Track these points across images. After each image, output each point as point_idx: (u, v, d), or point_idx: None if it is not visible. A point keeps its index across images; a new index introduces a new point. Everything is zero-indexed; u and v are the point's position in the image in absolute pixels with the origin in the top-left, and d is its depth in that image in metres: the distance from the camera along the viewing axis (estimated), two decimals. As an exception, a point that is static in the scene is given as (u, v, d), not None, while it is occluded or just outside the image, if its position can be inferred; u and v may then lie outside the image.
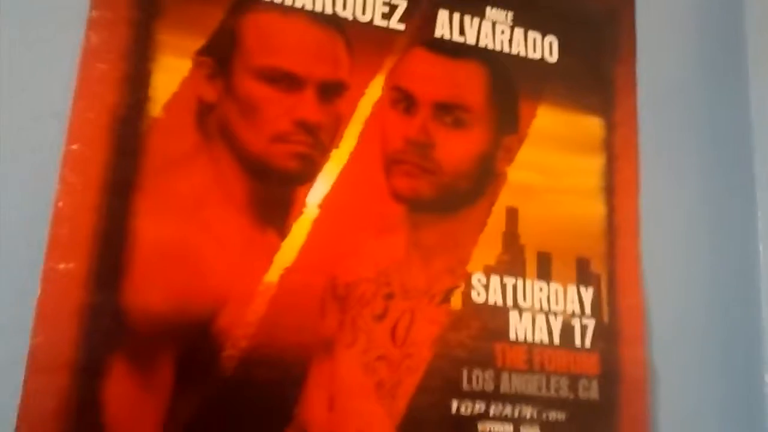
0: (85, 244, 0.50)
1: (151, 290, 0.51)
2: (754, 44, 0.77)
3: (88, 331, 0.49)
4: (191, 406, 0.51)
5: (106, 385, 0.49)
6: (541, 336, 0.62)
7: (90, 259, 0.50)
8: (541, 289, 0.63)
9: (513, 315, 0.61)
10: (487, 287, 0.61)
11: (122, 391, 0.49)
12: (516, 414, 0.59)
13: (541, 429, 0.60)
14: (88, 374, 0.49)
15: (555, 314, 0.63)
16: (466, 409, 0.58)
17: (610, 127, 0.69)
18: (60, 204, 0.50)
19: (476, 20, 0.66)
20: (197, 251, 0.53)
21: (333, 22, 0.61)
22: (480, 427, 0.58)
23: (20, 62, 0.53)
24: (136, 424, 0.49)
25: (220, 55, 0.57)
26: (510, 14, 0.67)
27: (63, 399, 0.48)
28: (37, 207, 0.50)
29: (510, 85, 0.66)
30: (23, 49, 0.53)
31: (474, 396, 0.58)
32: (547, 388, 0.61)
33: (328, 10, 0.61)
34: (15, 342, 0.48)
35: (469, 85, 0.64)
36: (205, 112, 0.56)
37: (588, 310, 0.64)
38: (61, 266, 0.49)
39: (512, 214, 0.63)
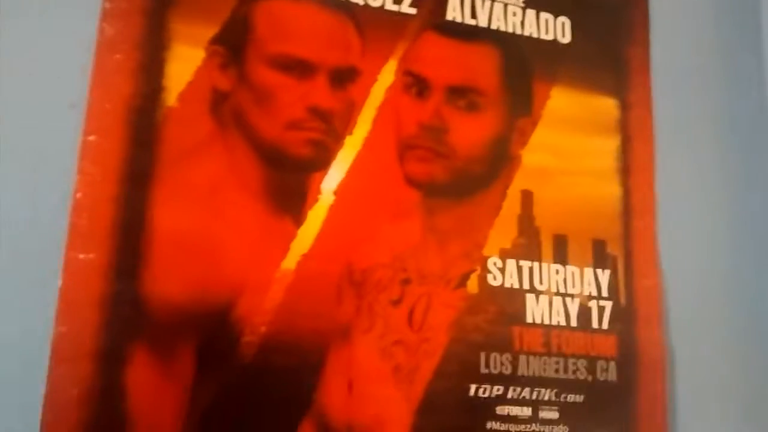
0: (104, 234, 0.51)
1: (170, 279, 0.52)
2: (771, 21, 0.76)
3: (110, 320, 0.50)
4: (211, 393, 0.52)
5: (128, 372, 0.50)
6: (558, 318, 0.62)
7: (109, 249, 0.51)
8: (557, 272, 0.63)
9: (530, 298, 0.61)
10: (503, 271, 0.61)
11: (143, 379, 0.50)
12: (534, 397, 0.60)
13: (559, 411, 0.60)
14: (110, 362, 0.49)
15: (572, 297, 0.63)
16: (484, 392, 0.58)
17: (625, 108, 0.69)
18: (79, 195, 0.51)
19: (488, 2, 0.66)
20: (214, 240, 0.54)
21: (344, 7, 0.61)
22: (498, 410, 0.59)
23: (37, 54, 0.54)
24: (157, 410, 0.50)
25: (233, 44, 0.57)
26: (522, -5, 0.67)
27: (86, 387, 0.49)
28: (56, 198, 0.51)
29: (523, 67, 0.66)
30: (39, 41, 0.54)
31: (492, 379, 0.59)
32: (565, 370, 0.61)
33: (340, -5, 0.61)
34: (38, 331, 0.49)
35: (482, 68, 0.64)
36: (219, 100, 0.56)
37: (605, 291, 0.64)
38: (82, 256, 0.50)
39: (527, 197, 0.64)
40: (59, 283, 0.49)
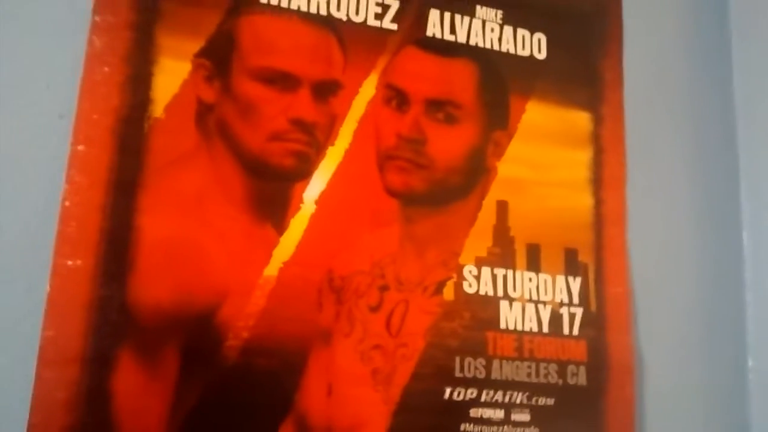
0: (92, 241, 0.53)
1: (155, 285, 0.54)
2: (739, 39, 0.80)
3: (97, 325, 0.52)
4: (195, 395, 0.54)
5: (115, 376, 0.52)
6: (531, 324, 0.65)
7: (97, 256, 0.53)
8: (530, 280, 0.66)
9: (503, 305, 0.65)
10: (478, 278, 0.64)
11: (130, 382, 0.52)
12: (507, 400, 0.63)
13: (531, 414, 0.63)
14: (97, 366, 0.52)
15: (544, 303, 0.66)
16: (459, 395, 0.61)
17: (598, 121, 0.72)
18: (67, 203, 0.53)
19: (466, 19, 0.69)
20: (199, 247, 0.56)
21: (327, 22, 0.63)
22: (472, 412, 0.61)
23: (27, 66, 0.56)
24: (142, 413, 0.52)
25: (218, 57, 0.59)
26: (500, 13, 0.70)
27: (73, 390, 0.51)
28: (45, 206, 0.53)
29: (500, 81, 0.69)
30: (30, 54, 0.56)
31: (466, 383, 0.62)
32: (537, 374, 0.64)
33: (323, 11, 0.63)
34: (26, 336, 0.51)
35: (460, 82, 0.67)
36: (204, 112, 0.58)
37: (576, 299, 0.67)
38: (70, 263, 0.52)
39: (502, 208, 0.67)
40: (47, 288, 0.52)
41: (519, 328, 0.65)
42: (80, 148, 0.54)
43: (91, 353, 0.52)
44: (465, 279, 0.64)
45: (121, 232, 0.54)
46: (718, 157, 0.78)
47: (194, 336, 0.55)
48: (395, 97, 0.64)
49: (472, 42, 0.68)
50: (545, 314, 0.66)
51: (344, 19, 0.64)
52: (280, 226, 0.59)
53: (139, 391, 0.53)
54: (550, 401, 0.64)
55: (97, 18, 0.57)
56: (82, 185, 0.54)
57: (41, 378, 0.50)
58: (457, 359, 0.62)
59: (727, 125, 0.78)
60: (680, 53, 0.80)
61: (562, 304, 0.67)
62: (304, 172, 0.61)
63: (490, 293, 0.64)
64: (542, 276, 0.67)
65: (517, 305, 0.65)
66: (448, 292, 0.63)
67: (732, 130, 0.78)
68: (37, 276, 0.52)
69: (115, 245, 0.54)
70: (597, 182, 0.71)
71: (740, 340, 0.74)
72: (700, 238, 0.76)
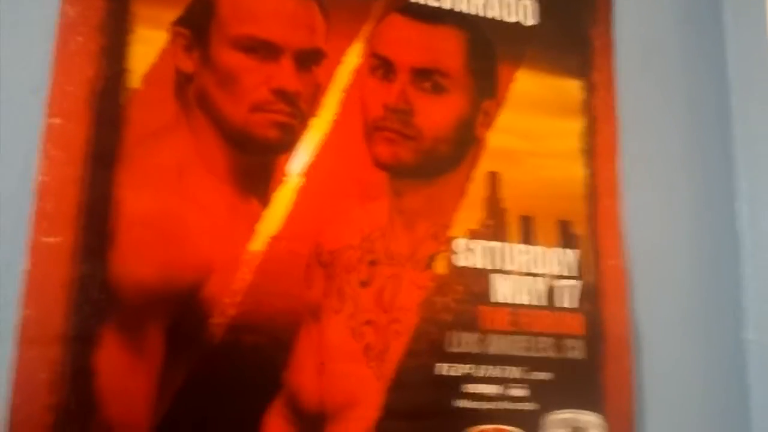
0: (70, 217, 0.53)
1: (137, 261, 0.54)
2: (732, 2, 0.81)
3: (78, 303, 0.52)
4: (182, 374, 0.54)
5: (98, 355, 0.52)
6: (526, 298, 0.66)
7: (76, 232, 0.53)
8: (524, 252, 0.67)
9: (497, 278, 0.65)
10: (470, 251, 0.65)
11: (114, 361, 0.52)
12: (503, 375, 0.63)
13: (529, 388, 0.64)
14: (79, 345, 0.52)
15: (539, 276, 0.67)
16: (454, 370, 0.62)
17: (590, 90, 0.73)
18: (43, 178, 0.53)
19: (451, -15, 0.69)
20: (181, 221, 0.56)
21: (308, -11, 0.63)
22: (467, 388, 0.62)
23: (-2, 37, 0.56)
24: (128, 393, 0.52)
25: (196, 26, 0.59)
26: (484, -22, 0.71)
27: (56, 370, 0.51)
28: (19, 182, 0.53)
29: (488, 49, 0.69)
30: (1, 25, 0.55)
31: (461, 358, 0.62)
32: (533, 348, 0.65)
33: (304, -22, 0.63)
34: (3, 315, 0.51)
35: (447, 50, 0.67)
36: (183, 82, 0.58)
37: (571, 271, 0.68)
38: (49, 239, 0.52)
39: (493, 179, 0.67)
40: (25, 266, 0.51)
41: (513, 301, 0.65)
42: (55, 121, 0.54)
43: (73, 332, 0.52)
44: (457, 252, 0.64)
45: (100, 207, 0.54)
46: (712, 124, 0.79)
47: (179, 313, 0.55)
48: (381, 66, 0.64)
49: (457, 8, 0.69)
50: (540, 287, 0.67)
51: (326, -15, 0.64)
52: (264, 200, 0.59)
53: (124, 370, 0.53)
54: (548, 375, 0.65)
55: (69, -14, 0.56)
56: (58, 159, 0.54)
57: (22, 358, 0.50)
58: (451, 334, 0.62)
59: (721, 91, 0.79)
60: (671, 19, 0.81)
61: (557, 276, 0.67)
62: (287, 144, 0.61)
63: (483, 266, 0.65)
64: (536, 248, 0.67)
65: (511, 278, 0.66)
66: (440, 266, 0.64)
67: (726, 95, 0.79)
68: (12, 254, 0.52)
69: (95, 221, 0.54)
70: (590, 152, 0.72)
71: (738, 312, 0.75)
72: (695, 207, 0.77)
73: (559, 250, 0.68)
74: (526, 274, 0.66)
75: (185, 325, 0.55)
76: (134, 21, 0.58)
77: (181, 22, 0.59)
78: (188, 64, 0.59)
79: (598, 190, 0.71)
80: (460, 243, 0.65)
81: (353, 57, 0.64)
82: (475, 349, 0.63)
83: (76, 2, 0.56)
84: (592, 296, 0.68)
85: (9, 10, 0.56)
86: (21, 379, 0.50)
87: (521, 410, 0.63)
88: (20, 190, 0.53)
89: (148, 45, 0.58)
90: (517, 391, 0.64)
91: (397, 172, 0.64)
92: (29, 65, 0.55)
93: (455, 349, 0.62)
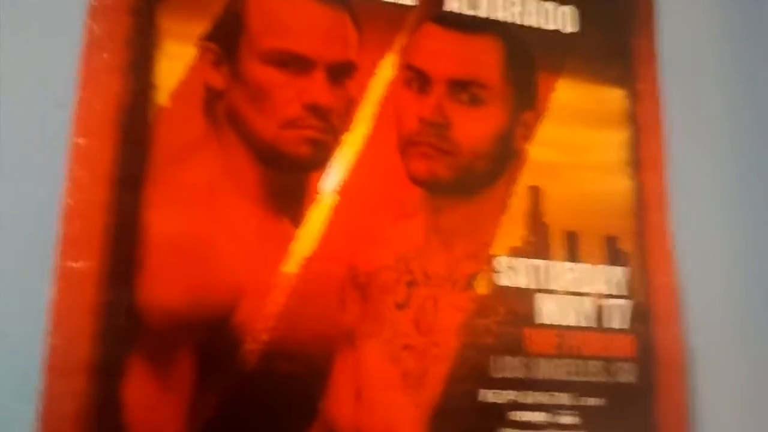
0: (97, 241, 0.52)
1: (166, 286, 0.53)
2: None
3: (105, 331, 0.51)
4: (212, 403, 0.52)
5: (126, 385, 0.51)
6: (573, 319, 0.63)
7: (103, 256, 0.52)
8: (569, 270, 0.64)
9: (541, 298, 0.63)
10: (512, 270, 0.63)
11: (142, 391, 0.51)
12: (551, 401, 0.61)
13: (578, 415, 0.61)
14: (106, 375, 0.50)
15: (585, 296, 0.64)
16: (498, 397, 0.59)
17: (633, 99, 0.71)
18: (69, 200, 0.52)
19: (488, -8, 0.68)
20: (211, 243, 0.55)
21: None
22: (512, 415, 0.60)
23: (22, 55, 0.55)
24: (158, 423, 0.51)
25: (225, 40, 0.58)
26: (522, -16, 0.69)
27: (83, 401, 0.49)
28: (45, 204, 0.52)
29: (526, 58, 0.67)
30: (25, 42, 0.55)
31: (505, 384, 0.60)
32: (581, 372, 0.62)
33: (334, -13, 0.62)
34: (29, 344, 0.50)
35: (484, 60, 0.66)
36: (212, 99, 0.57)
37: (620, 290, 0.65)
38: (75, 264, 0.51)
39: (535, 193, 0.65)
40: (51, 293, 0.50)
41: (559, 322, 0.63)
42: (81, 140, 0.53)
43: (99, 361, 0.50)
44: (498, 271, 0.62)
45: (127, 230, 0.53)
46: (763, 130, 0.76)
47: (209, 340, 0.53)
48: (416, 78, 0.63)
49: (494, 16, 0.67)
50: (587, 307, 0.64)
51: (357, -6, 0.63)
52: (297, 219, 0.58)
53: (152, 401, 0.51)
54: (599, 401, 0.62)
55: (94, 2, 0.55)
56: (84, 181, 0.53)
57: (49, 389, 0.49)
58: (493, 358, 0.60)
59: (772, 96, 0.77)
60: (716, 25, 0.78)
61: (604, 296, 0.65)
62: (320, 160, 0.59)
63: (526, 286, 0.63)
64: (582, 266, 0.65)
65: (556, 298, 0.63)
66: (480, 286, 0.61)
67: (777, 101, 0.76)
68: (38, 279, 0.51)
69: (122, 245, 0.52)
70: (635, 164, 0.69)
71: (798, 331, 0.72)
72: (750, 219, 0.73)
73: (607, 268, 0.65)
74: (572, 293, 0.64)
75: (216, 352, 0.53)
76: (161, 35, 0.57)
77: (209, 36, 0.58)
78: (218, 80, 0.58)
79: (646, 204, 0.69)
80: (502, 261, 0.62)
81: (387, 69, 0.62)
82: (520, 374, 0.60)
83: (101, 17, 0.55)
84: (642, 316, 0.65)
85: (33, 26, 0.56)
86: (48, 411, 0.49)
87: (571, 438, 0.61)
88: (45, 213, 0.52)
89: (176, 60, 0.57)
90: (567, 419, 0.61)
91: (433, 188, 0.62)
92: (54, 83, 0.54)
93: (499, 375, 0.60)
